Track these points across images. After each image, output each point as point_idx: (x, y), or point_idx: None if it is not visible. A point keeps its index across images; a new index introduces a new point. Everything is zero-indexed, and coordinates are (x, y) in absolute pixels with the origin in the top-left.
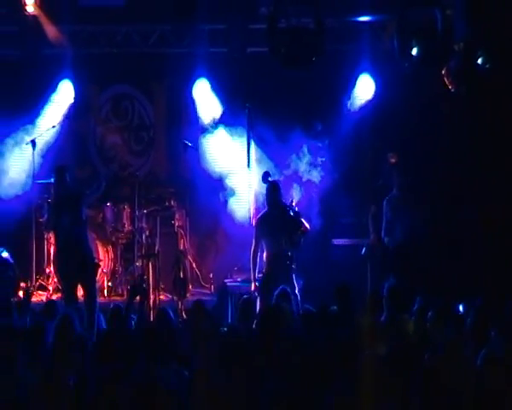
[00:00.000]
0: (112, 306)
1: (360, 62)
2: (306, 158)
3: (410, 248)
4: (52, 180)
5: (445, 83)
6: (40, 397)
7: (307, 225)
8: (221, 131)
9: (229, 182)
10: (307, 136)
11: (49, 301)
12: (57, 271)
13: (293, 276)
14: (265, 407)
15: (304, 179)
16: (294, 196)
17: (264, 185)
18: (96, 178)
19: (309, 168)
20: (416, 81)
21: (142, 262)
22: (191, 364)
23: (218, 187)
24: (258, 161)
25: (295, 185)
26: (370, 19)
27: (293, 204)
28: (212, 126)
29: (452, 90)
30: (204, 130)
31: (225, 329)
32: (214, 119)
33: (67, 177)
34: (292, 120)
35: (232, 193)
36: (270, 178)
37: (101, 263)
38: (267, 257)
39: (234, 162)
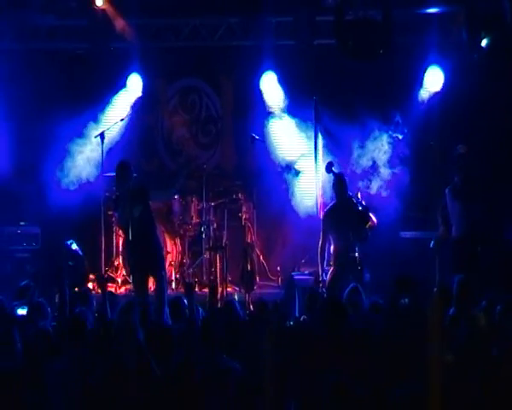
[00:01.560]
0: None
1: (429, 54)
2: (385, 150)
3: (475, 240)
4: None
5: None
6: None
7: (375, 219)
8: (288, 122)
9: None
10: (382, 128)
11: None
12: (127, 263)
13: (361, 269)
14: (327, 401)
15: (379, 171)
16: (373, 186)
17: (329, 175)
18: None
19: (386, 160)
20: (486, 72)
21: (210, 255)
22: (258, 356)
23: (284, 176)
24: (325, 153)
25: (368, 177)
26: (439, 10)
27: (359, 197)
28: (278, 115)
29: None
30: (270, 117)
31: (291, 322)
32: (281, 108)
33: (132, 171)
34: (358, 111)
35: (297, 173)
36: (333, 168)
37: (168, 255)
38: (334, 250)
39: (300, 154)
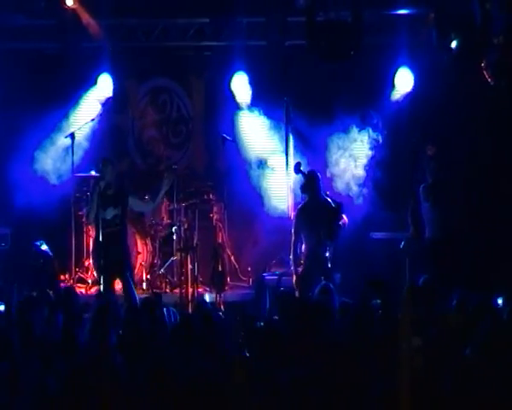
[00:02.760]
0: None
1: (399, 56)
2: (356, 151)
3: (447, 240)
4: (93, 173)
5: (485, 76)
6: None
7: (346, 218)
8: (259, 123)
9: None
10: (354, 128)
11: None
12: (95, 263)
13: (331, 269)
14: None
15: (351, 172)
16: (344, 187)
17: (298, 176)
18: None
19: (358, 161)
20: (455, 74)
21: (181, 255)
22: (228, 355)
23: (255, 175)
24: (296, 154)
25: (340, 178)
26: (409, 12)
27: (328, 195)
28: (249, 115)
29: (492, 84)
30: (241, 118)
31: (261, 323)
32: (252, 109)
33: (113, 171)
34: (330, 112)
35: (269, 169)
36: (302, 168)
37: (139, 256)
38: (306, 249)
39: (271, 154)
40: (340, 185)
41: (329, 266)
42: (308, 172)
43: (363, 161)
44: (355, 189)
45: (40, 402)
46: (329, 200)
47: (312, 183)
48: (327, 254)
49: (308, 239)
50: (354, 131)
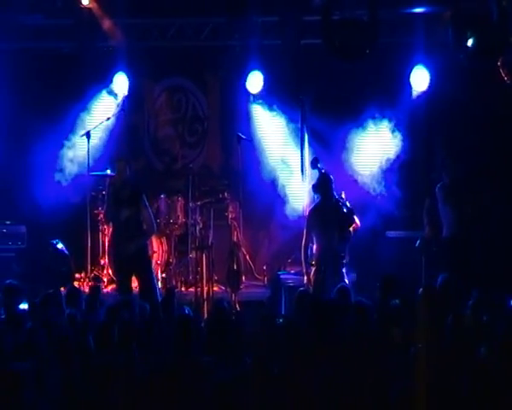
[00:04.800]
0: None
1: (415, 54)
2: (372, 150)
3: (464, 240)
4: (108, 171)
5: (501, 74)
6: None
7: (358, 222)
8: (274, 121)
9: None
10: (369, 127)
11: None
12: (111, 262)
13: (343, 269)
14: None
15: (366, 171)
16: (360, 186)
17: (314, 171)
18: None
19: (374, 160)
20: (472, 73)
21: (196, 254)
22: (247, 354)
23: (271, 174)
24: (312, 153)
25: (355, 177)
26: (425, 10)
27: (343, 197)
28: (264, 114)
29: (508, 82)
30: (257, 116)
31: (280, 320)
32: (267, 108)
33: (128, 170)
34: (345, 111)
35: (282, 165)
36: (319, 164)
37: (154, 255)
38: (317, 250)
39: (287, 154)
40: (355, 184)
41: (341, 266)
42: (321, 173)
43: (378, 160)
44: (377, 188)
45: (65, 401)
46: (342, 203)
47: (325, 184)
48: (338, 256)
49: (320, 240)
50: (374, 130)
